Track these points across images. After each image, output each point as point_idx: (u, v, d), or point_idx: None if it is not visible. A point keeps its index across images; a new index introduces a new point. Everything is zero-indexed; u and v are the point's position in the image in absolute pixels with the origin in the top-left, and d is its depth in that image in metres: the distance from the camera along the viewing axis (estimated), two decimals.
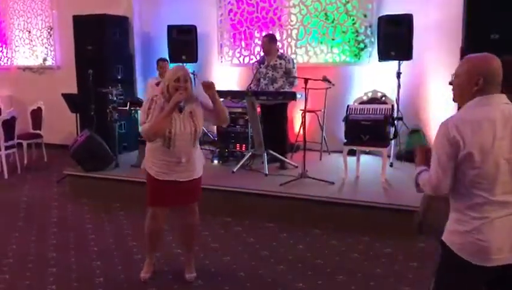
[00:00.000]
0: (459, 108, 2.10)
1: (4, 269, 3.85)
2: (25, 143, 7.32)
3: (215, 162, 6.10)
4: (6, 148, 6.70)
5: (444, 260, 2.10)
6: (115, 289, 3.51)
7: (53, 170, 6.89)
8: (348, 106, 5.42)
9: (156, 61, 6.75)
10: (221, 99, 6.14)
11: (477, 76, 1.97)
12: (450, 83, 2.11)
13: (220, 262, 3.96)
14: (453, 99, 2.12)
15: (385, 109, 5.30)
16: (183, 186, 3.38)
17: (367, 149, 5.51)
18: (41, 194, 6.01)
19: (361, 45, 6.63)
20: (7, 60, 9.01)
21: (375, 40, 6.38)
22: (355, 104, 5.90)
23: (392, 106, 5.55)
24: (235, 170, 5.55)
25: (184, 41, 7.00)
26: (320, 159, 6.32)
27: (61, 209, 5.39)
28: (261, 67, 5.94)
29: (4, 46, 8.98)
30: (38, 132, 7.61)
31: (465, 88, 2.02)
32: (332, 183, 5.05)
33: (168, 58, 6.94)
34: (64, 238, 4.53)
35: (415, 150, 2.33)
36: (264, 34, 6.59)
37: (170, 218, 3.73)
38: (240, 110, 6.17)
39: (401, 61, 6.01)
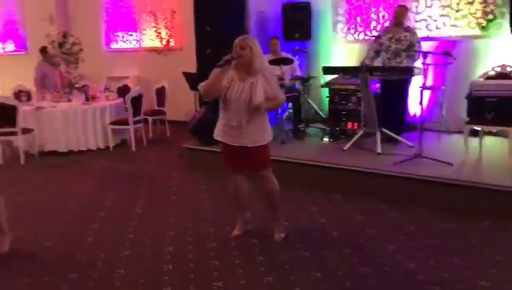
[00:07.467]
0: None
1: (130, 230, 4.24)
2: (150, 119, 7.97)
3: (326, 139, 6.06)
4: (134, 123, 7.29)
5: None
6: (225, 252, 3.70)
7: (174, 144, 7.36)
8: (471, 82, 5.00)
9: (268, 40, 6.82)
10: (335, 76, 6.12)
11: None
12: None
13: (325, 236, 3.97)
14: None
15: None
16: (236, 151, 3.65)
17: (492, 129, 5.06)
18: (163, 165, 6.50)
19: (490, 16, 6.05)
20: (136, 42, 9.77)
21: (507, 10, 5.79)
22: (480, 79, 5.43)
23: None
24: (345, 148, 5.47)
25: (298, 19, 6.98)
26: (439, 140, 5.97)
27: (181, 179, 5.78)
28: (382, 39, 5.71)
29: (134, 30, 9.74)
30: (162, 108, 8.20)
31: None
32: (451, 164, 4.75)
33: (279, 36, 6.98)
34: (181, 205, 4.86)
35: None
36: (397, 5, 6.22)
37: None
38: (352, 87, 6.03)
39: None
